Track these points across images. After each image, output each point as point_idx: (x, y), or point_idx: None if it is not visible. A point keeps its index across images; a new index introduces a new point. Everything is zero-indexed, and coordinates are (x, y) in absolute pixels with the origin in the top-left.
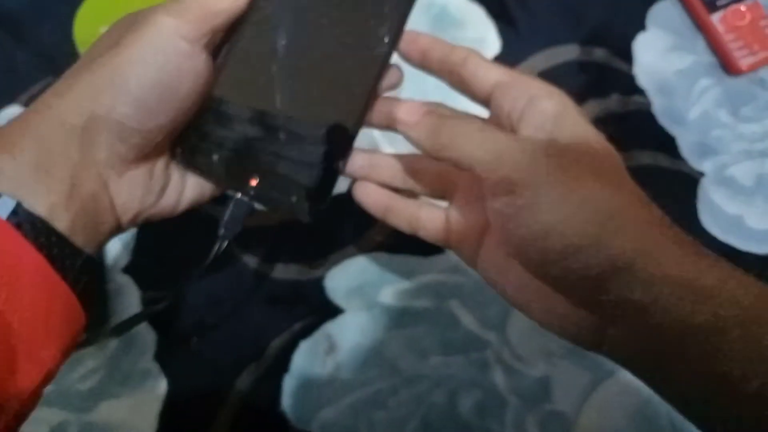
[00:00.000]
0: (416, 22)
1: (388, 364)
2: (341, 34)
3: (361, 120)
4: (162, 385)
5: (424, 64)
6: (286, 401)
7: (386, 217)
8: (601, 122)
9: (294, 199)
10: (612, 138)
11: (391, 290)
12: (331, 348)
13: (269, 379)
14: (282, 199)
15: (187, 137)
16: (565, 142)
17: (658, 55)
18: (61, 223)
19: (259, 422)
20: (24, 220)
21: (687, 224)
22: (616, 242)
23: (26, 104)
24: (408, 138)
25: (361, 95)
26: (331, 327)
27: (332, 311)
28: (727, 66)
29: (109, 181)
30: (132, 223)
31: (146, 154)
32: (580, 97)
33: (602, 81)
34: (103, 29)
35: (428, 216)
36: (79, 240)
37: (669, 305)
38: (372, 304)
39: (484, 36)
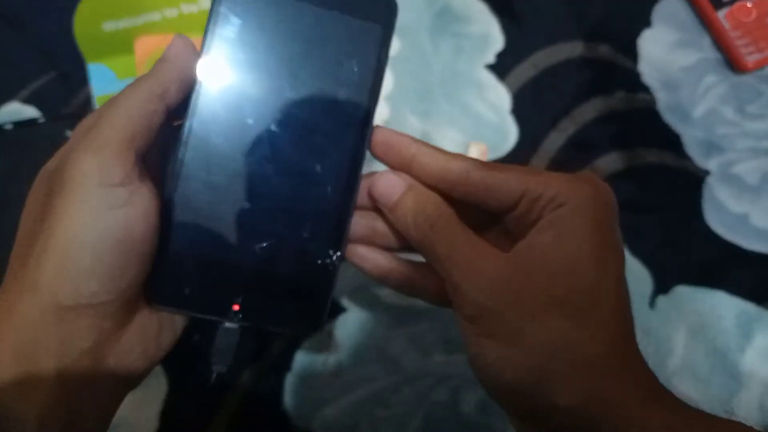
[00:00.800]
0: (420, 18)
1: (390, 362)
2: (313, 120)
3: (352, 202)
4: (163, 384)
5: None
6: (288, 399)
7: (384, 282)
8: (605, 120)
9: (291, 312)
10: (617, 136)
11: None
12: (333, 346)
13: (271, 378)
14: (277, 317)
15: (151, 275)
16: (553, 263)
17: (664, 52)
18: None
19: (261, 420)
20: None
21: (692, 223)
22: (564, 385)
23: (26, 101)
24: (392, 220)
25: (346, 177)
26: (333, 325)
27: (334, 309)
28: (734, 63)
29: (104, 359)
30: (143, 377)
31: (129, 311)
32: (584, 94)
33: (607, 78)
34: (104, 24)
35: (427, 283)
36: (85, 425)
37: None
38: (374, 302)
39: (488, 32)
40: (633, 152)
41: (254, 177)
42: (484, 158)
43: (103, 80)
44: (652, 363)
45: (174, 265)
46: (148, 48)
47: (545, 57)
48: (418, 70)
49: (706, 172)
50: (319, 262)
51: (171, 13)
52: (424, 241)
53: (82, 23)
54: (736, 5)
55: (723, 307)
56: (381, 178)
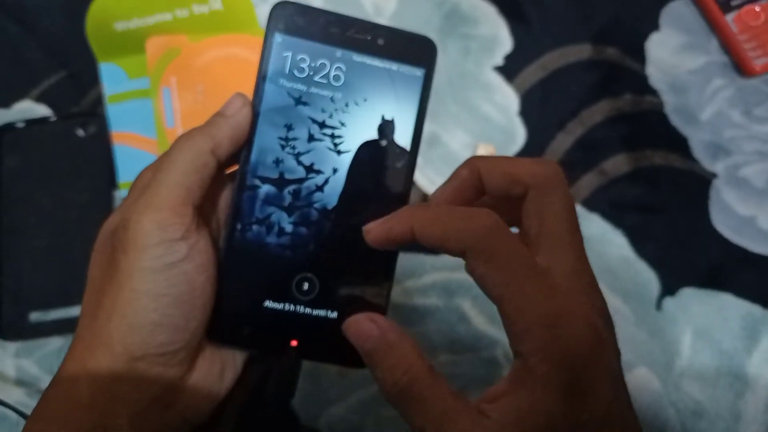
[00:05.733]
0: (428, 20)
1: None
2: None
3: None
4: None
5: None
6: (295, 398)
7: None
8: (613, 122)
9: (345, 349)
10: (624, 138)
11: (399, 288)
12: None
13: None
14: (333, 353)
15: (213, 315)
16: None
17: (671, 55)
18: None
19: (268, 419)
20: None
21: (698, 225)
22: None
23: (38, 99)
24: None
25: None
26: None
27: None
28: (741, 66)
29: (173, 404)
30: (207, 415)
31: (194, 354)
32: (592, 96)
33: (615, 80)
34: (115, 24)
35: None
36: None
37: None
38: None
39: (496, 34)
40: (640, 154)
41: (307, 220)
42: None
43: (115, 79)
44: (658, 365)
45: (234, 305)
46: (159, 48)
47: (553, 59)
48: None
49: (713, 175)
50: (370, 302)
51: (182, 13)
52: (396, 404)
53: (93, 23)
54: (744, 9)
55: (729, 309)
56: (353, 323)
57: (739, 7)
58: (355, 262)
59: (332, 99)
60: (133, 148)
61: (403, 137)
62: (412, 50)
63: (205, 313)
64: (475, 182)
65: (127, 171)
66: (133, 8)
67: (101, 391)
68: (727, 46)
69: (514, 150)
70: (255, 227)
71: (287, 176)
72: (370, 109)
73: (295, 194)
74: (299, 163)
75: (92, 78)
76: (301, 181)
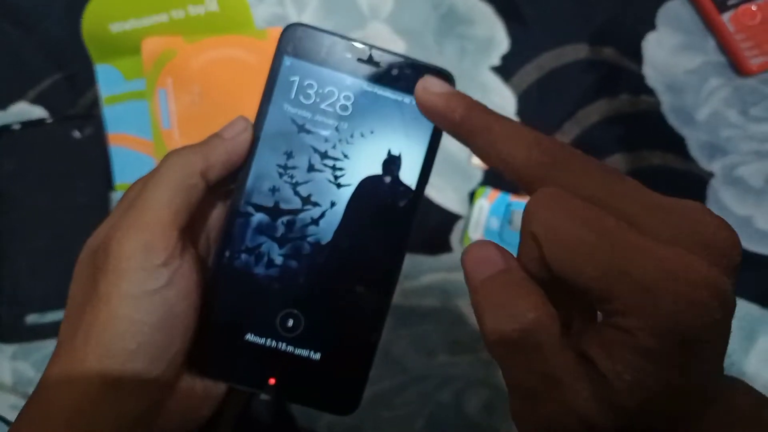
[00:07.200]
0: (425, 20)
1: (394, 363)
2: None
3: (393, 287)
4: None
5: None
6: None
7: None
8: (610, 122)
9: (327, 393)
10: (621, 138)
11: (397, 289)
12: None
13: None
14: (313, 396)
15: (194, 345)
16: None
17: (668, 55)
18: None
19: (267, 421)
20: None
21: None
22: None
23: (34, 101)
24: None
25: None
26: None
27: None
28: (738, 66)
29: (151, 428)
30: None
31: (173, 381)
32: (589, 96)
33: (612, 80)
34: (111, 25)
35: None
36: None
37: None
38: None
39: (493, 34)
40: (637, 154)
41: (299, 254)
42: None
43: (111, 81)
44: None
45: (215, 335)
46: (155, 49)
47: (550, 59)
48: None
49: (710, 175)
50: (357, 346)
51: (178, 14)
52: (504, 353)
53: (89, 24)
54: (741, 8)
55: None
56: (473, 249)
57: (735, 6)
58: (345, 303)
59: (337, 129)
60: (129, 150)
61: (408, 175)
62: None
63: (185, 340)
64: None
65: (123, 172)
66: (129, 9)
67: (77, 415)
68: (724, 45)
69: None
70: (243, 256)
71: (282, 206)
72: (376, 143)
73: (289, 225)
74: (296, 193)
75: (88, 80)
76: (296, 212)
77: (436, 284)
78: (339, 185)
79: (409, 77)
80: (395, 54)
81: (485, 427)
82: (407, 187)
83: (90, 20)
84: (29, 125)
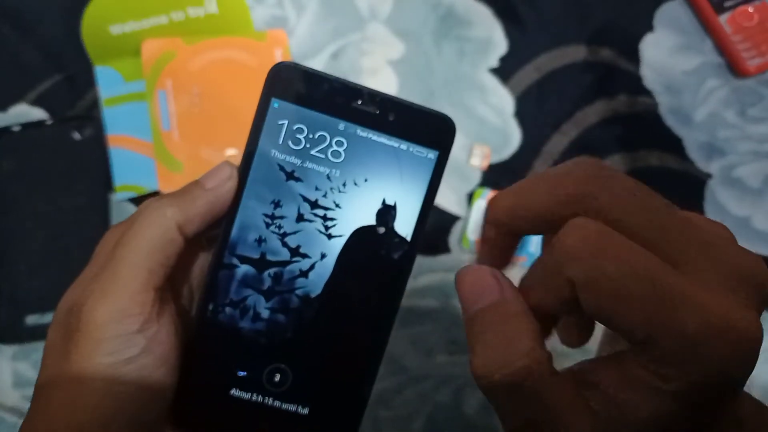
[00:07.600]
0: (424, 22)
1: (393, 363)
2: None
3: (386, 337)
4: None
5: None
6: None
7: None
8: (608, 123)
9: None
10: (619, 139)
11: None
12: None
13: None
14: None
15: (177, 398)
16: None
17: (666, 56)
18: None
19: None
20: None
21: None
22: None
23: (33, 103)
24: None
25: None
26: None
27: None
28: (735, 67)
29: None
30: None
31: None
32: (586, 97)
33: (609, 81)
34: (111, 27)
35: None
36: None
37: None
38: None
39: (491, 36)
40: (635, 155)
41: (287, 307)
42: (488, 160)
43: (110, 82)
44: None
45: (199, 390)
46: (154, 50)
47: (548, 61)
48: (422, 73)
49: (708, 175)
50: (348, 400)
51: (177, 16)
52: (495, 393)
53: (89, 26)
54: (738, 10)
55: None
56: (468, 275)
57: (732, 8)
58: (335, 357)
59: (329, 176)
60: (129, 151)
61: (404, 226)
62: (427, 129)
63: (162, 406)
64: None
65: (123, 174)
66: (129, 11)
67: None
68: (721, 46)
69: (509, 151)
70: (228, 309)
71: (269, 257)
72: (370, 191)
73: (276, 278)
74: (284, 244)
75: (88, 81)
76: (284, 264)
77: (435, 284)
78: (330, 236)
79: (406, 122)
80: (391, 97)
81: (484, 426)
82: (402, 239)
83: (90, 22)
84: (29, 127)
